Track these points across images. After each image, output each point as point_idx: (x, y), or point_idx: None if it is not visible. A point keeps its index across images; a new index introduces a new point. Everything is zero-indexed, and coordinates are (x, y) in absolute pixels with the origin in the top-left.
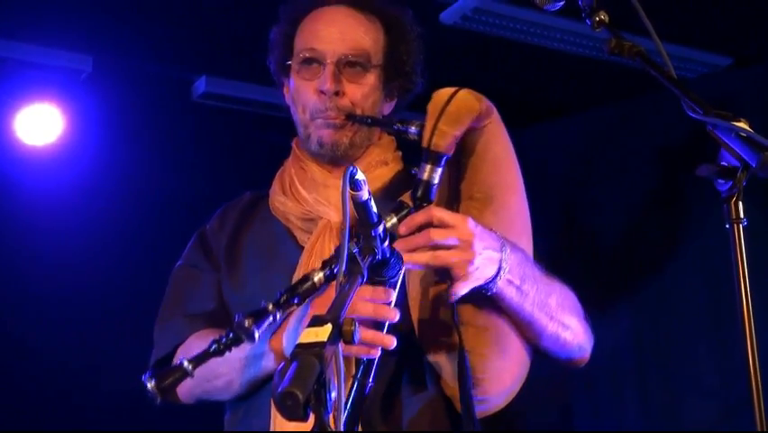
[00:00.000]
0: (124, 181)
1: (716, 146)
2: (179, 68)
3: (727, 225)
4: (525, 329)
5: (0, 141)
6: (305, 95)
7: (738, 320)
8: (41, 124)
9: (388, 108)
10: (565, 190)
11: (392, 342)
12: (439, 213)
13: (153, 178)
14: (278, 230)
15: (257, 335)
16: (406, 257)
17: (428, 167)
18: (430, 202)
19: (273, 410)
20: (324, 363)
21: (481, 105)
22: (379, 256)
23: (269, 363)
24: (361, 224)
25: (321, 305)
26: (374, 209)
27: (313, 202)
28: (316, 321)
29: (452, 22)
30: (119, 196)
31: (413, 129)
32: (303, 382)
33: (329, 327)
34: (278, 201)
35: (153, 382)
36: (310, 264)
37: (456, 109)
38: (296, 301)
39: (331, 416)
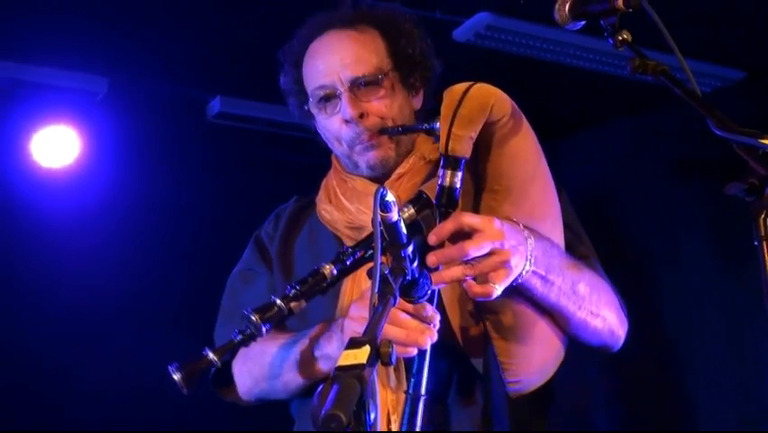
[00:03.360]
0: (140, 202)
1: (738, 161)
2: (194, 88)
3: (756, 242)
4: (555, 316)
5: (17, 163)
6: (334, 129)
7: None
8: (58, 146)
9: (417, 102)
10: (578, 206)
11: (425, 340)
12: (467, 218)
13: (169, 198)
14: (327, 237)
15: (264, 330)
16: (440, 275)
17: (449, 172)
18: (455, 207)
19: None
20: (364, 385)
21: (494, 101)
22: (408, 277)
23: (306, 373)
24: (391, 244)
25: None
26: (403, 230)
27: (356, 212)
28: (354, 343)
29: (465, 39)
30: (135, 216)
31: (437, 125)
32: (345, 404)
33: (367, 348)
34: (325, 210)
35: (179, 375)
36: (356, 276)
37: (468, 111)
38: (303, 294)
39: None
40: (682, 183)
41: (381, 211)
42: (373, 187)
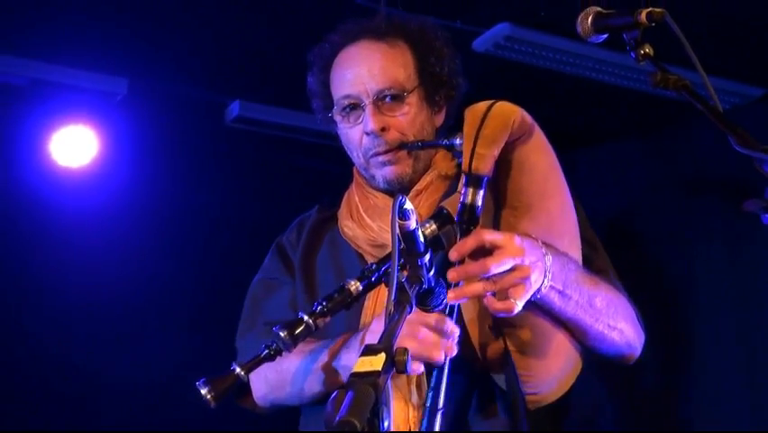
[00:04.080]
0: (156, 203)
1: (759, 179)
2: (213, 92)
3: None
4: (572, 329)
5: (36, 162)
6: (354, 139)
7: None
8: (76, 145)
9: (439, 119)
10: (595, 217)
11: (440, 356)
12: (489, 236)
13: (185, 200)
14: (349, 253)
15: (292, 347)
16: (461, 290)
17: (471, 190)
18: (476, 224)
19: None
20: (379, 393)
21: (515, 119)
22: (425, 285)
23: (323, 382)
24: (408, 252)
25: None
26: (421, 239)
27: (378, 230)
28: (370, 350)
29: (485, 49)
30: (150, 217)
31: (458, 141)
32: (359, 410)
33: (383, 356)
34: (347, 226)
35: (206, 389)
36: (379, 292)
37: (491, 131)
38: (330, 310)
39: None
40: (699, 199)
41: (400, 219)
42: (390, 202)
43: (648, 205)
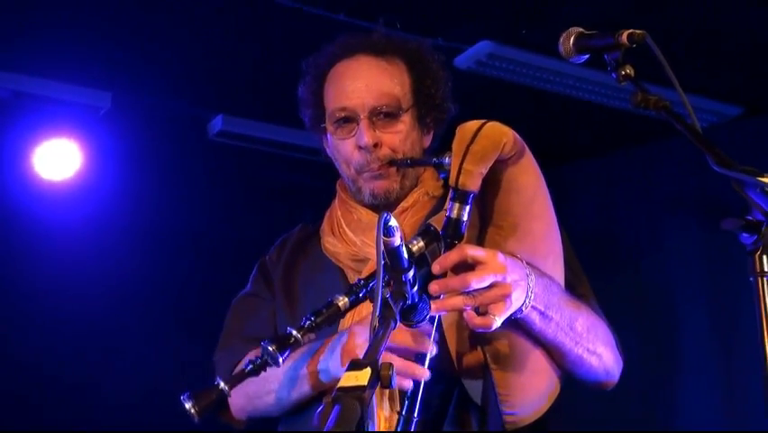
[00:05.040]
0: (140, 216)
1: (733, 195)
2: (197, 106)
3: (752, 278)
4: (552, 350)
5: (19, 175)
6: (345, 151)
7: (762, 368)
8: (60, 159)
9: (427, 141)
10: (576, 234)
11: (423, 373)
12: (471, 251)
13: (169, 213)
14: (331, 269)
15: (281, 361)
16: (442, 303)
17: (457, 205)
18: (461, 239)
19: None
20: (365, 407)
21: (506, 140)
22: (409, 301)
23: (305, 386)
24: (392, 269)
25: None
26: (405, 255)
27: (360, 244)
28: (355, 365)
29: (467, 66)
30: (134, 230)
31: (447, 160)
32: (346, 424)
33: (368, 371)
34: (329, 242)
35: (190, 403)
36: (360, 305)
37: (481, 148)
38: (318, 325)
39: None
40: (678, 215)
41: (384, 236)
42: (375, 218)
43: (627, 219)
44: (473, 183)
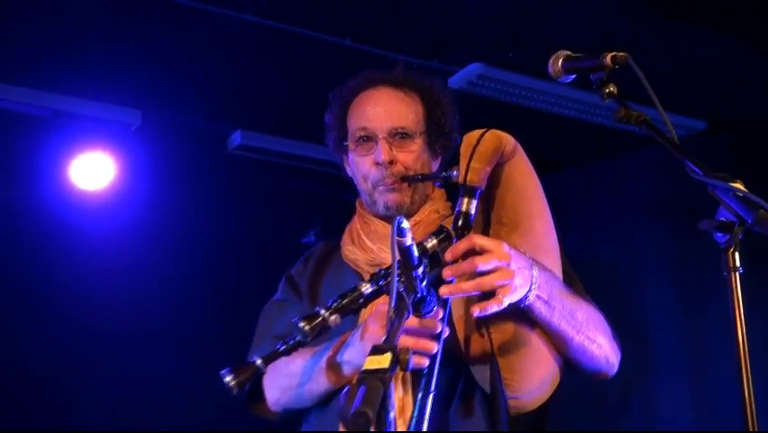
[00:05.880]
0: (167, 223)
1: (710, 202)
2: (217, 122)
3: (725, 273)
4: (554, 339)
5: (57, 185)
6: (364, 168)
7: (736, 360)
8: (94, 170)
9: (435, 165)
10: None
11: (433, 346)
12: (479, 239)
13: (192, 220)
14: (350, 274)
15: (309, 337)
16: (453, 287)
17: (465, 200)
18: (470, 230)
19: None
20: (386, 387)
21: (506, 143)
22: (419, 294)
23: (329, 378)
24: (404, 265)
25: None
26: (416, 254)
27: (377, 251)
28: (377, 350)
29: (459, 86)
30: (162, 236)
31: (454, 173)
32: (371, 403)
33: (389, 355)
34: (349, 250)
35: (230, 377)
36: (376, 301)
37: (485, 149)
38: (344, 306)
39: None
40: (650, 220)
41: (398, 237)
42: (389, 229)
43: (604, 226)
44: (479, 179)
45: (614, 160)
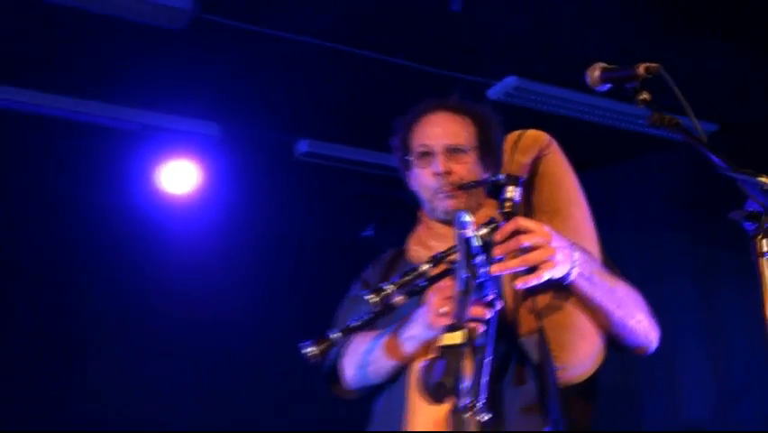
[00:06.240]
0: (244, 222)
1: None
2: (286, 132)
3: (753, 259)
4: (597, 315)
5: (147, 190)
6: (424, 179)
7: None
8: (180, 177)
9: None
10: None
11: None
12: (522, 221)
13: (266, 219)
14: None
15: (379, 306)
16: (502, 264)
17: (510, 188)
18: (515, 215)
19: (411, 396)
20: (461, 361)
21: (542, 139)
22: (479, 279)
23: (393, 356)
24: (466, 253)
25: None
26: (476, 243)
27: (438, 247)
28: (453, 328)
29: (497, 98)
30: (240, 234)
31: (501, 177)
32: (450, 374)
33: (462, 332)
34: (414, 250)
35: (311, 348)
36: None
37: (524, 144)
38: (406, 282)
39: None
40: (669, 214)
41: (460, 229)
42: (451, 230)
43: (624, 223)
44: (521, 170)
45: (633, 160)
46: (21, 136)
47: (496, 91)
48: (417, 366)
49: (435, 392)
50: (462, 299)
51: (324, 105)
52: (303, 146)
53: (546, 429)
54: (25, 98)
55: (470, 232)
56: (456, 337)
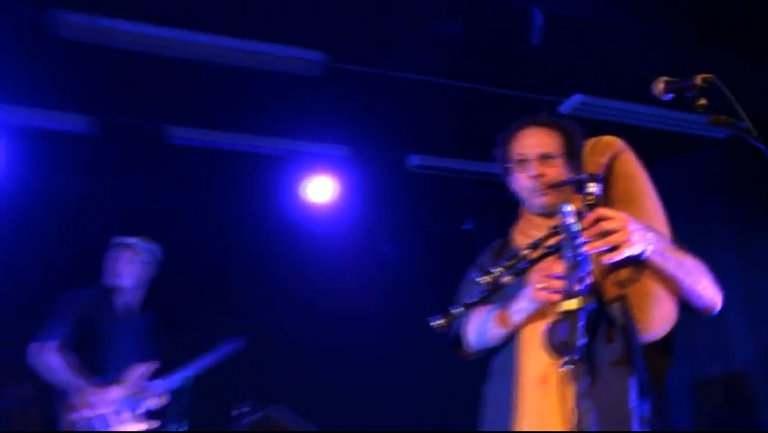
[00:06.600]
0: (373, 224)
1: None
2: (400, 149)
3: None
4: (670, 284)
5: (295, 200)
6: (522, 181)
7: None
8: (321, 189)
9: None
10: None
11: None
12: (603, 210)
13: (389, 219)
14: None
15: (492, 285)
16: (590, 245)
17: (592, 184)
18: (597, 205)
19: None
20: (579, 323)
21: (615, 143)
22: (578, 259)
23: (504, 325)
24: (568, 237)
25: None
26: (575, 229)
27: (536, 235)
28: (569, 295)
29: (566, 112)
30: (370, 233)
31: (584, 175)
32: (572, 334)
33: (577, 300)
34: (518, 239)
35: (439, 321)
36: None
37: (601, 148)
38: (512, 265)
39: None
40: (711, 203)
41: (564, 218)
42: (546, 221)
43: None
44: (599, 169)
45: (685, 156)
46: (201, 166)
47: (566, 107)
48: (528, 331)
49: (560, 349)
50: (571, 274)
51: (429, 127)
52: (415, 160)
53: (631, 380)
54: (210, 137)
55: (572, 220)
56: (573, 304)
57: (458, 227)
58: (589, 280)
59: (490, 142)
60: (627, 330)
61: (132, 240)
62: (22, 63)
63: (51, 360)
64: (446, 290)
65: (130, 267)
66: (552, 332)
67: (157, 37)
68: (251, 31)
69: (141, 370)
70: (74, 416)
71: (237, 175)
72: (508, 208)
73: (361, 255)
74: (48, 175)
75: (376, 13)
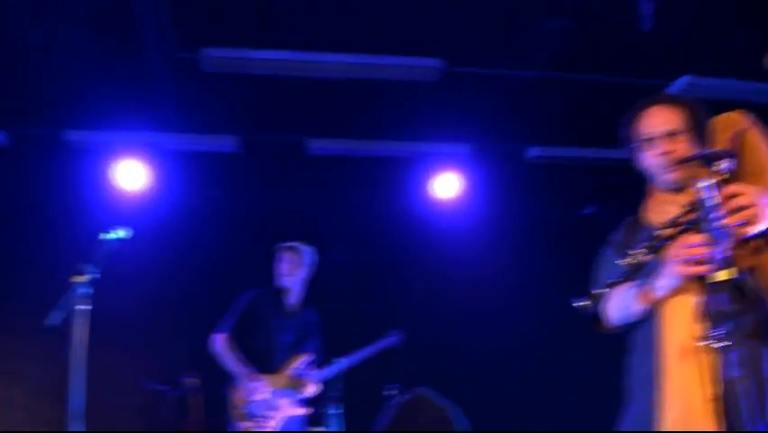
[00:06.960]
0: (495, 215)
1: None
2: (520, 143)
3: None
4: None
5: (421, 196)
6: (650, 160)
7: None
8: (447, 185)
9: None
10: None
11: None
12: (734, 187)
13: (511, 209)
14: (647, 231)
15: (629, 268)
16: (726, 220)
17: (723, 159)
18: (729, 181)
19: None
20: (731, 292)
21: (742, 119)
22: (719, 232)
23: (644, 301)
24: (706, 213)
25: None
26: (712, 204)
27: (668, 212)
28: (721, 267)
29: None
30: (494, 225)
31: (707, 151)
32: (725, 303)
33: (727, 271)
34: (652, 215)
35: (584, 301)
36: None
37: (727, 123)
38: (651, 246)
39: None
40: None
41: (704, 195)
42: (677, 197)
43: None
44: (727, 145)
45: None
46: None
47: (673, 88)
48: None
49: (717, 319)
50: (714, 246)
51: (545, 119)
52: (534, 151)
53: (764, 351)
54: (344, 145)
55: (709, 194)
56: (724, 275)
57: (577, 212)
58: (730, 252)
59: (602, 128)
60: (759, 301)
61: (293, 244)
62: (175, 95)
63: (221, 349)
64: (569, 273)
65: (292, 267)
66: (708, 303)
67: (290, 60)
68: (374, 47)
69: (300, 361)
70: (237, 399)
71: (370, 178)
72: (625, 192)
73: (489, 245)
74: (201, 192)
75: (487, 17)
